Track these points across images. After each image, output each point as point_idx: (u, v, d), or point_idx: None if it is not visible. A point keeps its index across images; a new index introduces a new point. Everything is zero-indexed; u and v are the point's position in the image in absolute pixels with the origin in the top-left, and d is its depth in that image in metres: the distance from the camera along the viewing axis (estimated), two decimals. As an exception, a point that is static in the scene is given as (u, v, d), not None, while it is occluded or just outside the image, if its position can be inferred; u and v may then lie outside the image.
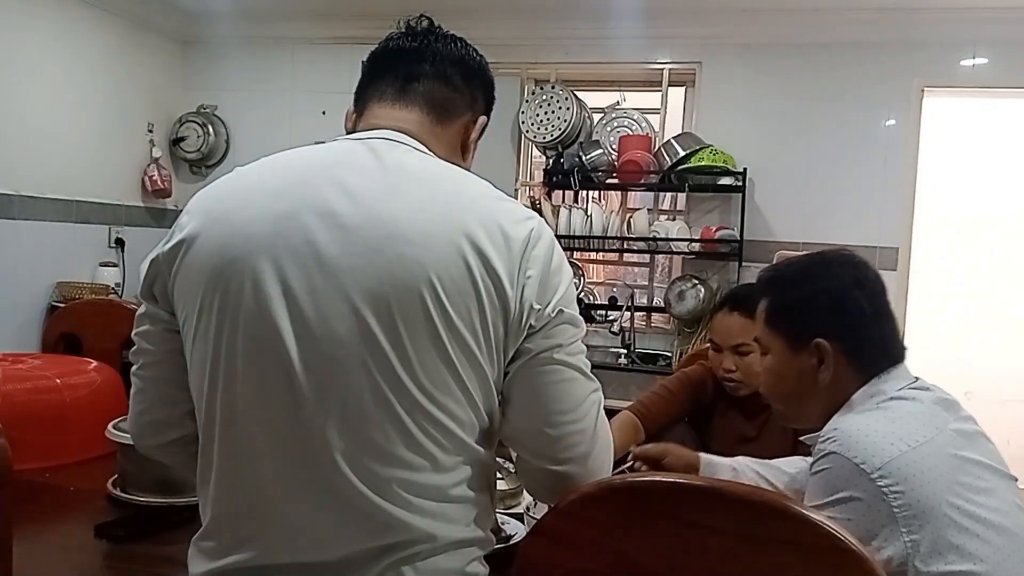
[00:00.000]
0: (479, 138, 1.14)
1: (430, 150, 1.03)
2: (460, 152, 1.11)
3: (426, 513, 0.90)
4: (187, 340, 0.97)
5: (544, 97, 3.81)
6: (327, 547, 0.90)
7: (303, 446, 0.89)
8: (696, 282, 3.73)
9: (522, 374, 0.94)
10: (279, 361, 0.89)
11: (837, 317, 1.23)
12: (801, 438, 1.33)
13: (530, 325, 0.92)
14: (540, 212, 3.68)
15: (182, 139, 4.35)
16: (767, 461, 1.54)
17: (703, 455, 1.57)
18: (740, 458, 1.56)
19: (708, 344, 2.01)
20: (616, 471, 1.33)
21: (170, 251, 0.97)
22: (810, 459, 1.21)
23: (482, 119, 1.12)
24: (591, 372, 1.00)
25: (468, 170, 1.05)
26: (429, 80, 1.07)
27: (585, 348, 0.99)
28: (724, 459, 1.56)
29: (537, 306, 0.92)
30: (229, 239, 0.92)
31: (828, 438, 1.14)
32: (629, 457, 1.61)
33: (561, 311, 0.94)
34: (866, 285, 1.25)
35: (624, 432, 1.96)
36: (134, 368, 1.08)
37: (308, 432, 0.89)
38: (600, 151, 3.81)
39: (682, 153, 3.64)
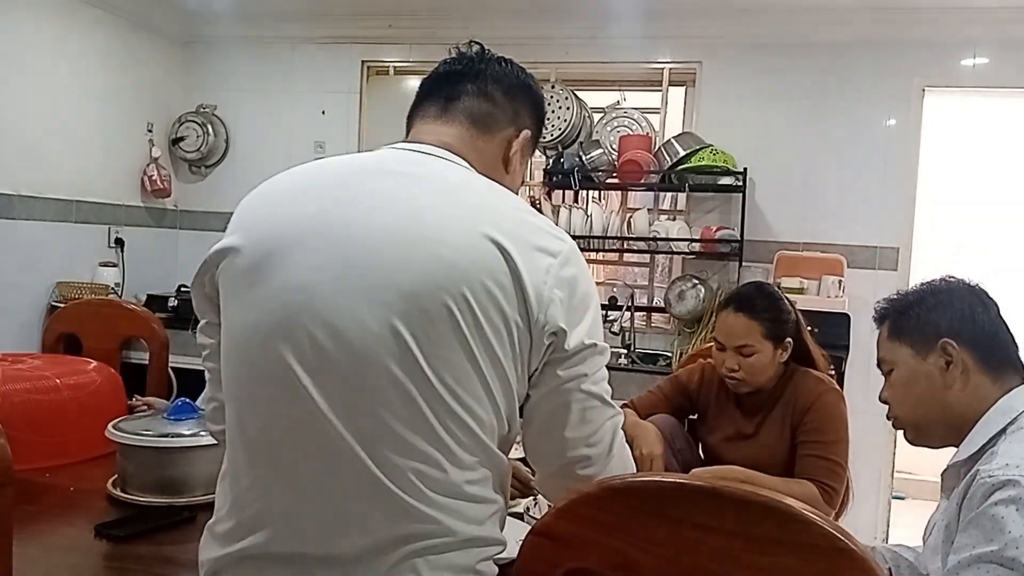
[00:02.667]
0: (530, 154, 1.18)
1: (470, 163, 1.06)
2: (502, 166, 1.13)
3: (442, 508, 0.92)
4: (223, 329, 1.01)
5: (544, 97, 3.81)
6: (343, 534, 0.91)
7: (323, 433, 0.91)
8: (696, 282, 3.72)
9: (549, 401, 0.98)
10: (303, 348, 0.91)
11: (960, 318, 1.27)
12: (945, 471, 1.29)
13: (555, 346, 0.95)
14: (540, 212, 3.68)
15: (181, 139, 4.34)
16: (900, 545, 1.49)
17: None
18: (878, 544, 1.53)
19: (711, 342, 2.02)
20: None
21: (217, 252, 1.02)
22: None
23: (525, 132, 1.15)
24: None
25: (513, 187, 1.10)
26: (470, 97, 1.11)
27: (607, 372, 1.02)
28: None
29: (564, 327, 0.94)
30: (267, 234, 0.97)
31: (1005, 465, 1.10)
32: None
33: (594, 344, 0.98)
34: (984, 298, 1.30)
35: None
36: (201, 359, 1.14)
37: (329, 419, 0.91)
38: (600, 151, 3.81)
39: (682, 153, 3.64)
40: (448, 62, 1.15)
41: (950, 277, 1.36)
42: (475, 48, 1.15)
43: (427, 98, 1.13)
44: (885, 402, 1.36)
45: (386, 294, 0.90)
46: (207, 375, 1.13)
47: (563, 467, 1.02)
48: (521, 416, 1.02)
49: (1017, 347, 1.29)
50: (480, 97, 1.11)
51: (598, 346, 0.99)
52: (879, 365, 1.38)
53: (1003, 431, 1.20)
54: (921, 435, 1.34)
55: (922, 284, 1.38)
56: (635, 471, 1.11)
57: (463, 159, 1.06)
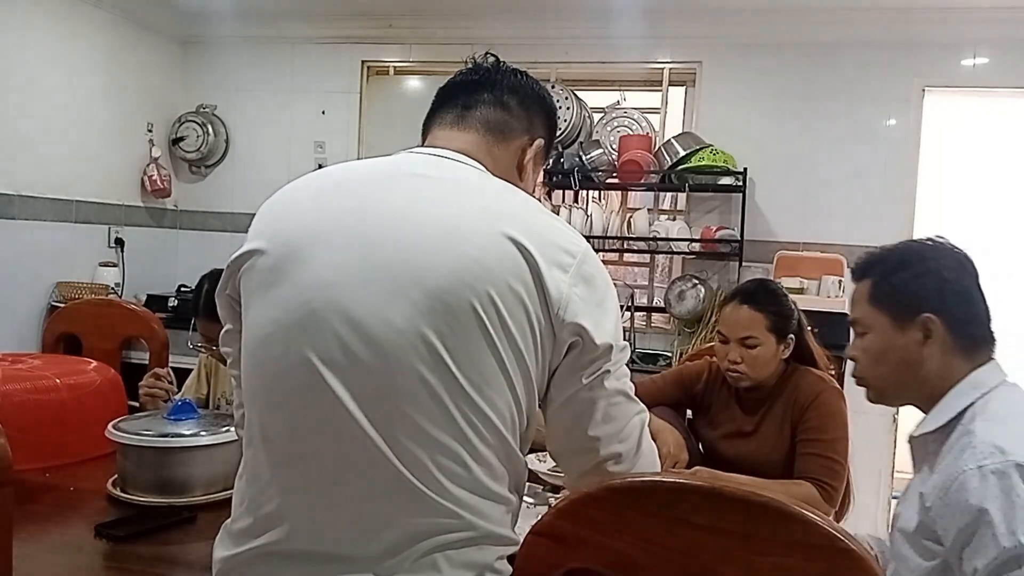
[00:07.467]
0: (542, 162, 1.20)
1: (487, 169, 1.08)
2: (516, 173, 1.15)
3: (463, 504, 0.93)
4: (244, 328, 1.02)
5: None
6: (365, 530, 0.92)
7: (346, 429, 0.91)
8: (696, 282, 3.72)
9: (575, 403, 0.99)
10: (327, 345, 0.92)
11: (945, 295, 1.25)
12: (913, 439, 1.29)
13: (580, 347, 0.96)
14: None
15: (182, 139, 4.34)
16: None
17: None
18: (863, 533, 1.54)
19: (712, 342, 2.03)
20: None
21: (239, 256, 1.03)
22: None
23: (539, 141, 1.17)
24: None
25: (528, 193, 1.11)
26: (487, 106, 1.13)
27: (627, 370, 1.04)
28: None
29: (585, 325, 0.95)
30: (291, 234, 0.99)
31: (992, 451, 1.09)
32: None
33: (617, 343, 0.99)
34: (968, 267, 1.28)
35: None
36: (227, 366, 1.16)
37: (352, 415, 0.91)
38: (600, 151, 3.81)
39: (682, 153, 3.64)
40: (465, 72, 1.17)
41: (939, 239, 1.33)
42: (491, 59, 1.17)
43: (444, 106, 1.14)
44: (852, 359, 1.36)
45: (412, 292, 0.91)
46: (233, 382, 1.14)
47: (596, 466, 1.03)
48: (544, 417, 1.03)
49: (991, 321, 1.28)
50: (496, 106, 1.13)
51: (620, 344, 1.00)
52: (852, 324, 1.36)
53: (971, 404, 1.21)
54: (884, 399, 1.34)
55: (908, 244, 1.35)
56: (660, 469, 1.13)
57: (480, 164, 1.07)
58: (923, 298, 1.25)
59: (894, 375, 1.30)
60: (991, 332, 1.28)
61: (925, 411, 1.28)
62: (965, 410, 1.21)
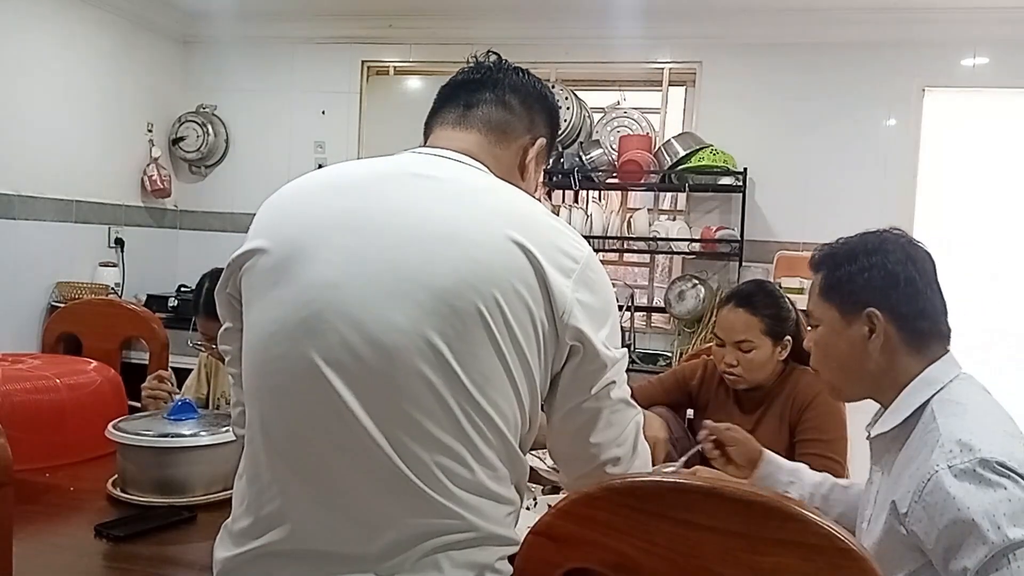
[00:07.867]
0: (544, 162, 1.19)
1: (489, 169, 1.07)
2: (518, 173, 1.15)
3: (465, 504, 0.93)
4: (245, 328, 1.02)
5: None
6: (367, 530, 0.92)
7: (349, 429, 0.91)
8: (696, 282, 3.73)
9: (580, 412, 1.01)
10: (330, 345, 0.92)
11: (889, 289, 1.25)
12: (872, 439, 1.30)
13: (581, 354, 0.97)
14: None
15: (182, 139, 4.34)
16: (826, 477, 1.51)
17: (766, 452, 1.55)
18: (801, 466, 1.54)
19: (712, 338, 2.03)
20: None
21: (241, 255, 1.03)
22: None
23: (540, 140, 1.16)
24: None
25: (530, 193, 1.11)
26: (488, 105, 1.12)
27: (626, 375, 1.04)
28: (785, 462, 1.53)
29: (586, 331, 0.96)
30: (293, 234, 0.98)
31: (964, 450, 1.09)
32: (700, 433, 1.60)
33: (617, 351, 1.00)
34: (918, 261, 1.27)
35: None
36: (225, 364, 1.16)
37: (355, 415, 0.91)
38: (600, 151, 3.81)
39: (682, 153, 3.64)
40: (466, 71, 1.16)
41: (894, 230, 1.33)
42: (492, 58, 1.17)
43: (445, 105, 1.14)
44: (808, 350, 1.38)
45: (416, 292, 0.91)
46: (231, 379, 1.14)
47: (594, 469, 1.05)
48: (548, 421, 1.04)
49: (946, 313, 1.28)
50: (498, 105, 1.12)
51: (620, 352, 1.01)
52: (808, 316, 1.38)
53: (928, 401, 1.21)
54: (839, 395, 1.36)
55: (862, 237, 1.35)
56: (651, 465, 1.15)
57: (482, 164, 1.07)
58: (867, 292, 1.26)
59: (842, 371, 1.31)
60: (945, 326, 1.27)
61: (884, 406, 1.29)
62: (922, 407, 1.21)
